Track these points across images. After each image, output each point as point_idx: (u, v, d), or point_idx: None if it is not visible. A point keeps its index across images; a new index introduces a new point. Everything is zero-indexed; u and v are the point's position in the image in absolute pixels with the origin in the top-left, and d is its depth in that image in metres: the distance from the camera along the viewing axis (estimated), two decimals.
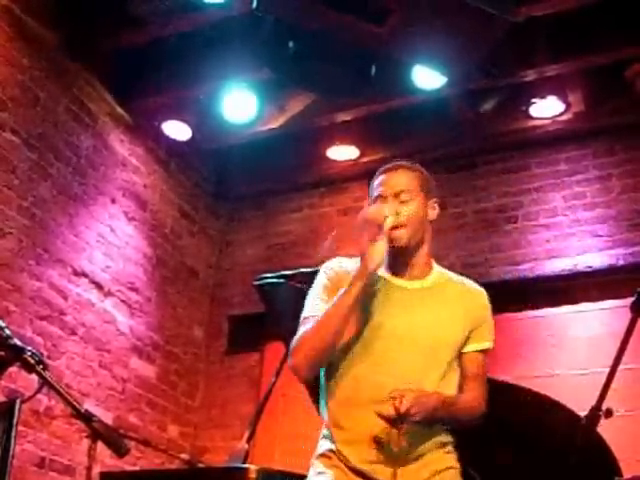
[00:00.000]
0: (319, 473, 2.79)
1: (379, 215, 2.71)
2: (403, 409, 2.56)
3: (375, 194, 2.88)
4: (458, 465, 2.84)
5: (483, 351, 2.87)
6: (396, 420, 2.61)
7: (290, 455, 6.23)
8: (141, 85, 6.38)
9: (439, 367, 2.78)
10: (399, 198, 2.82)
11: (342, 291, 2.68)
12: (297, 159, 7.21)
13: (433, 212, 2.91)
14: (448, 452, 2.82)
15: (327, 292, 2.80)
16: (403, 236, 2.78)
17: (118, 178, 6.40)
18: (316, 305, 2.78)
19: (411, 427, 2.63)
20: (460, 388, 2.83)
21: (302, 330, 2.75)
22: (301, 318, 2.81)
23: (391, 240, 2.72)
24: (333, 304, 2.68)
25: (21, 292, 5.39)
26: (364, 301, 2.76)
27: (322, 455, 2.84)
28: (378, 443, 2.68)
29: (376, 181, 2.93)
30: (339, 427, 2.80)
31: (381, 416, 2.64)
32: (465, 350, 2.84)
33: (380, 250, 2.67)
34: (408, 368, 2.73)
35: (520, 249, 6.38)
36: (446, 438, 2.82)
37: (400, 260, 2.86)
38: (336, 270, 2.86)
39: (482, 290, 2.95)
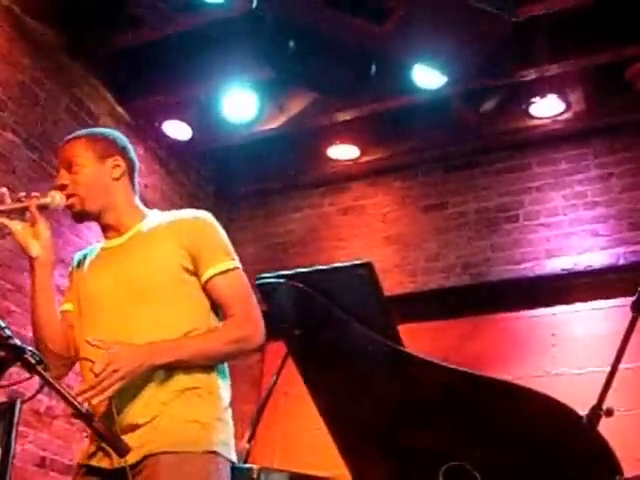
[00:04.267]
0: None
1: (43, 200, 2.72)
2: (97, 370, 2.40)
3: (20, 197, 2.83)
4: (209, 416, 2.56)
5: (219, 275, 2.66)
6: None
7: (291, 454, 6.23)
8: (141, 85, 6.38)
9: (155, 312, 2.61)
10: (68, 168, 2.83)
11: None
12: (297, 159, 7.22)
13: (115, 170, 2.81)
14: (191, 402, 2.55)
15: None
16: (76, 203, 2.77)
17: None
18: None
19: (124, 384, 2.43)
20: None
21: None
22: None
23: (68, 209, 2.76)
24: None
25: (22, 292, 5.39)
26: (79, 278, 2.86)
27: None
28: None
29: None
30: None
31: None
32: (201, 281, 2.66)
33: (37, 233, 2.75)
34: (115, 325, 2.61)
35: (520, 248, 6.39)
36: (196, 382, 2.58)
37: (102, 224, 2.89)
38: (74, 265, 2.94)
39: (198, 213, 2.80)
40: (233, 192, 7.60)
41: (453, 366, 3.68)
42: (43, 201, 2.74)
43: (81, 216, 2.82)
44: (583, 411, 2.85)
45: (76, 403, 2.27)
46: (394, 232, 6.91)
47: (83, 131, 2.94)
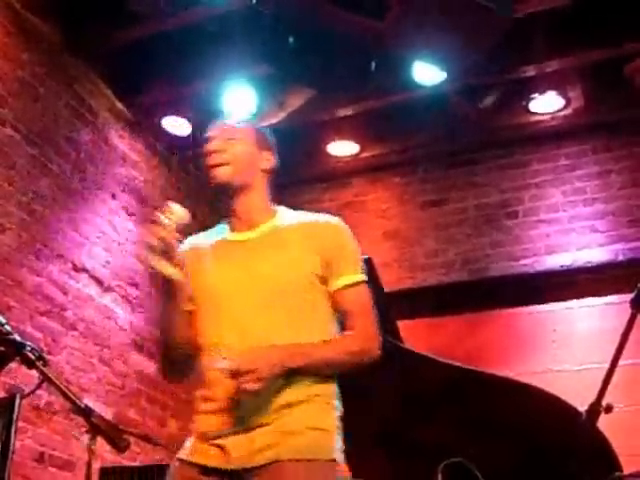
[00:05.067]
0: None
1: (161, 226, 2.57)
2: (233, 367, 2.40)
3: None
4: (329, 425, 2.57)
5: (348, 287, 2.63)
6: (235, 376, 2.41)
7: None
8: (141, 81, 6.37)
9: (286, 315, 2.57)
10: (227, 139, 2.79)
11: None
12: (297, 155, 7.21)
13: (266, 162, 2.84)
14: (313, 409, 2.56)
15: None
16: (224, 173, 2.73)
17: (118, 174, 6.40)
18: None
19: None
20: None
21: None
22: None
23: (212, 177, 2.72)
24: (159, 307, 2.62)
25: (21, 287, 5.39)
26: (200, 269, 2.67)
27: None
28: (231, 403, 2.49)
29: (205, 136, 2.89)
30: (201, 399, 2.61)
31: (222, 371, 2.46)
32: (331, 289, 2.63)
33: (164, 269, 2.51)
34: (250, 324, 2.56)
35: (520, 244, 6.39)
36: (318, 390, 2.58)
37: (232, 211, 2.79)
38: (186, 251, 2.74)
39: (332, 219, 2.75)
40: None
41: (452, 362, 3.69)
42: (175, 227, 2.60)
43: (223, 187, 2.76)
44: (583, 407, 2.85)
45: (75, 398, 2.27)
46: (394, 228, 6.92)
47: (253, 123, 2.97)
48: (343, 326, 2.64)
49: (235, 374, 2.40)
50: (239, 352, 2.45)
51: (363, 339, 2.61)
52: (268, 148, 2.86)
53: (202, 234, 2.87)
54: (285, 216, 2.80)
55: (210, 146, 2.77)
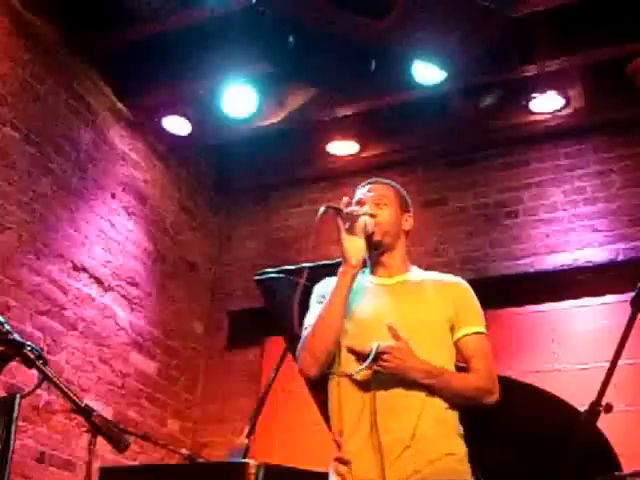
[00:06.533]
0: None
1: (354, 210, 3.04)
2: (380, 349, 2.77)
3: (355, 200, 3.18)
4: (462, 451, 2.89)
5: (474, 334, 3.02)
6: (367, 357, 2.78)
7: (290, 450, 6.23)
8: (141, 80, 6.37)
9: (428, 345, 2.92)
10: (377, 204, 3.14)
11: (331, 290, 2.97)
12: (297, 154, 7.21)
13: (407, 223, 3.21)
14: (447, 435, 2.89)
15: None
16: (378, 232, 3.07)
17: (118, 173, 6.40)
18: (313, 317, 3.01)
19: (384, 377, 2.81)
20: None
21: (303, 335, 3.01)
22: (302, 331, 3.05)
23: (368, 236, 3.02)
24: (326, 303, 2.97)
25: (21, 287, 5.39)
26: (350, 300, 3.00)
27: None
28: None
29: (357, 191, 3.26)
30: (340, 418, 2.93)
31: (352, 350, 2.86)
32: (455, 338, 3.01)
33: (358, 245, 2.99)
34: None
35: (520, 244, 6.39)
36: (449, 416, 2.91)
37: (379, 260, 3.15)
38: (322, 290, 3.11)
39: (461, 280, 3.17)
40: (233, 187, 7.60)
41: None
42: (365, 220, 3.04)
43: (376, 245, 3.10)
44: (583, 407, 2.85)
45: (75, 398, 2.27)
46: None
47: (393, 182, 3.33)
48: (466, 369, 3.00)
49: (380, 352, 2.76)
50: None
51: (488, 379, 2.97)
52: (408, 210, 3.25)
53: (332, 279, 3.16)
54: (418, 272, 3.20)
55: (363, 207, 3.12)
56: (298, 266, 3.71)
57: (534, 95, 6.26)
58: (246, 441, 4.28)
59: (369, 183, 3.27)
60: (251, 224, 7.48)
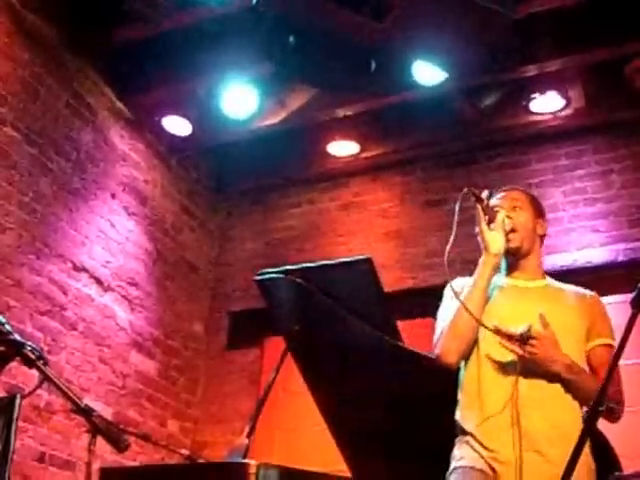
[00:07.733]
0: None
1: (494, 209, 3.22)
2: (532, 332, 2.86)
3: (492, 206, 3.31)
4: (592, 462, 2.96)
5: (605, 346, 3.11)
6: (517, 339, 2.87)
7: (290, 450, 6.23)
8: (141, 80, 6.37)
9: (570, 344, 3.02)
10: (513, 207, 3.29)
11: (472, 281, 3.15)
12: (297, 154, 7.21)
13: (541, 228, 3.34)
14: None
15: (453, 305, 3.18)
16: (517, 239, 3.23)
17: (118, 173, 6.40)
18: (448, 315, 3.17)
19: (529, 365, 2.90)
20: None
21: (442, 325, 3.19)
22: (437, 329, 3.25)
23: (507, 241, 3.19)
24: (467, 291, 3.13)
25: (21, 287, 5.39)
26: (489, 298, 3.14)
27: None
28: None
29: (494, 198, 3.37)
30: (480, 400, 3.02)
31: (498, 331, 2.92)
32: (588, 347, 3.11)
33: (497, 238, 3.17)
34: None
35: None
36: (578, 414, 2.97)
37: (515, 264, 3.29)
38: (457, 286, 3.22)
39: (594, 294, 3.28)
40: (233, 187, 7.60)
41: None
42: (503, 216, 3.23)
43: (514, 250, 3.25)
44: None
45: (75, 398, 2.27)
46: (394, 228, 6.91)
47: (528, 191, 3.52)
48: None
49: (527, 337, 2.86)
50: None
51: (614, 388, 2.98)
52: (543, 216, 3.39)
53: (463, 278, 3.37)
54: (554, 281, 3.34)
55: (500, 213, 3.26)
56: (298, 266, 3.71)
57: (534, 95, 6.25)
58: (246, 441, 4.28)
59: (504, 190, 3.40)
60: (251, 224, 7.48)
